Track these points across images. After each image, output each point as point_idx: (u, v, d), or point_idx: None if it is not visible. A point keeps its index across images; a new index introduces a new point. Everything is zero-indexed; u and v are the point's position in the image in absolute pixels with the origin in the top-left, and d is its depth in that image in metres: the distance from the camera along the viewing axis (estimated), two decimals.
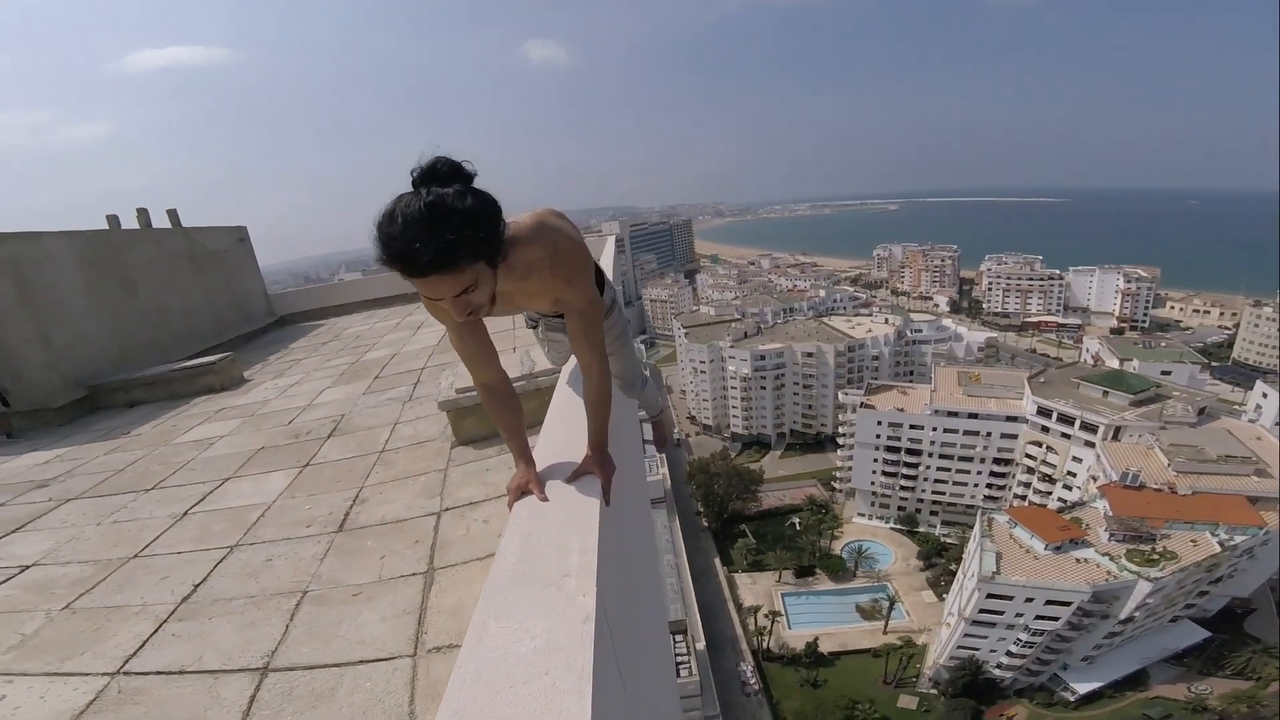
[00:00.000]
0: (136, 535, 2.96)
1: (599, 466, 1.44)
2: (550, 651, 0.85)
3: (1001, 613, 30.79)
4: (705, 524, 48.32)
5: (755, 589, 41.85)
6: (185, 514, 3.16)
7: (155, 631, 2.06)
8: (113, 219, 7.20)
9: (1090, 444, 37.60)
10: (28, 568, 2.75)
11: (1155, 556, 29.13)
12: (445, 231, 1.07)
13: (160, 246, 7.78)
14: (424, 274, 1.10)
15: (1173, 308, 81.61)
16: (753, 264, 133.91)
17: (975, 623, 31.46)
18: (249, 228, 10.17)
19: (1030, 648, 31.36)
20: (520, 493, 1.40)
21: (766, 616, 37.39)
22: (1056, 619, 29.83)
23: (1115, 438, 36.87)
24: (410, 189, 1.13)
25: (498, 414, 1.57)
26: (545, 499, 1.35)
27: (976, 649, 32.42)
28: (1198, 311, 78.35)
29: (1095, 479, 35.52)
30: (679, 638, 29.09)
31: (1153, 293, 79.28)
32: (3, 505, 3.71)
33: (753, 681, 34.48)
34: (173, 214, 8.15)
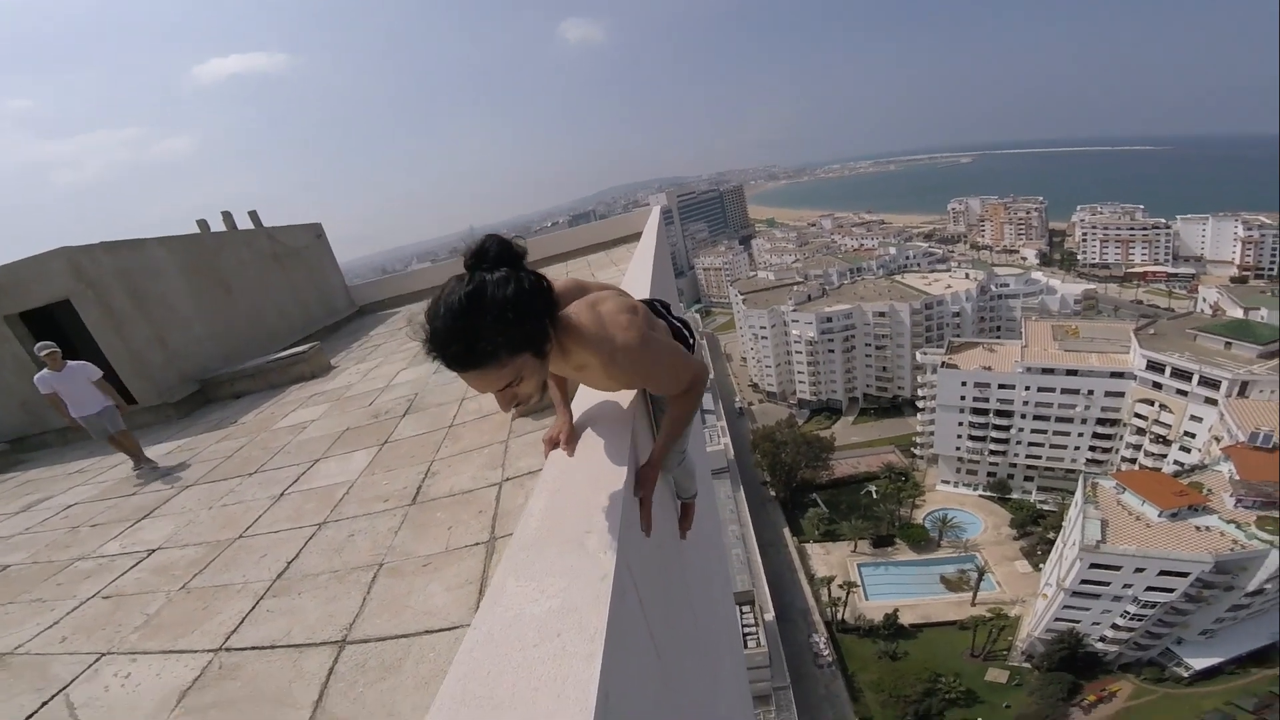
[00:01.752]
0: (241, 517, 3.21)
1: (648, 483, 1.38)
2: (565, 612, 0.82)
3: (1107, 584, 28.59)
4: (772, 493, 47.51)
5: (828, 559, 40.90)
6: (282, 495, 3.39)
7: (253, 608, 2.21)
8: (202, 223, 7.86)
9: (1212, 401, 33.41)
10: (153, 551, 3.06)
11: None
12: (483, 326, 1.01)
13: (249, 247, 8.47)
14: (463, 370, 1.05)
15: None
16: (813, 225, 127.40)
17: (1076, 594, 29.39)
18: (327, 228, 10.83)
19: (1140, 620, 29.12)
20: (553, 443, 1.39)
21: (841, 587, 36.45)
22: (1171, 590, 27.43)
23: (1242, 394, 32.71)
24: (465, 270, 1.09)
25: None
26: (571, 454, 1.33)
27: (1077, 621, 30.35)
28: None
29: (1218, 440, 32.03)
30: (746, 608, 29.22)
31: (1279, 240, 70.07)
32: (135, 493, 4.19)
33: (826, 653, 33.97)
34: (254, 215, 8.79)
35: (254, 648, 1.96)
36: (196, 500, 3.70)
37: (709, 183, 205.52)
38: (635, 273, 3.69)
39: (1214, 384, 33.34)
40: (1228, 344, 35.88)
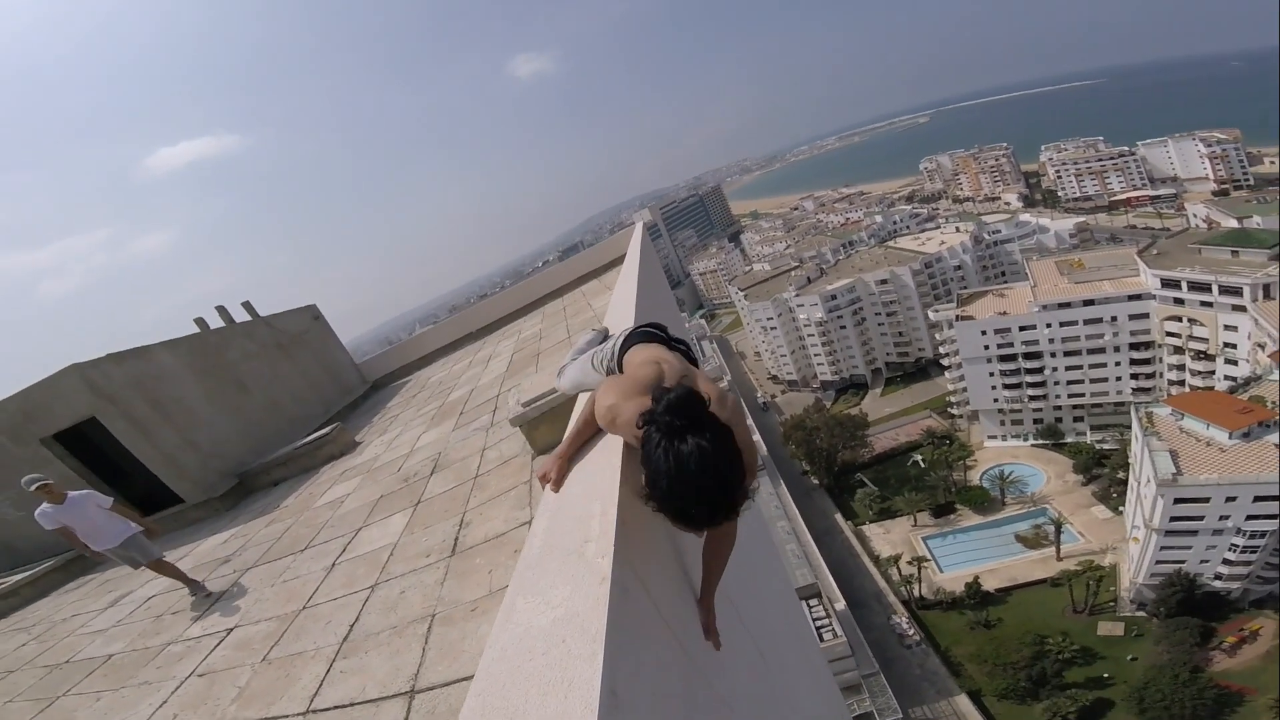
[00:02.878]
0: (301, 590, 3.42)
1: (707, 616, 1.49)
2: (568, 619, 0.87)
3: (1200, 518, 26.79)
4: (815, 481, 46.65)
5: (889, 538, 39.65)
6: (333, 565, 3.59)
7: (328, 671, 2.38)
8: (200, 321, 8.27)
9: (1240, 308, 32.45)
10: (231, 630, 3.30)
11: None
12: (736, 482, 1.09)
13: (250, 339, 8.88)
14: (726, 521, 1.11)
15: (1271, 163, 72.77)
16: (796, 209, 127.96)
17: (1170, 533, 27.58)
18: (326, 307, 11.27)
19: (1252, 553, 26.93)
20: (545, 479, 1.48)
21: (910, 564, 35.07)
22: (1276, 516, 25.34)
23: (1267, 296, 31.72)
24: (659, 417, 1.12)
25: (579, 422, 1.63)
26: (555, 490, 1.40)
27: (1181, 562, 28.30)
28: None
29: (1262, 347, 30.74)
30: (813, 602, 28.47)
31: (1243, 151, 71.46)
32: (205, 580, 4.44)
33: (911, 632, 32.68)
34: (248, 305, 9.21)
35: (335, 707, 2.11)
36: (260, 580, 3.94)
37: (687, 189, 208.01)
38: (619, 301, 3.87)
39: (1236, 291, 32.44)
40: (1235, 252, 35.12)
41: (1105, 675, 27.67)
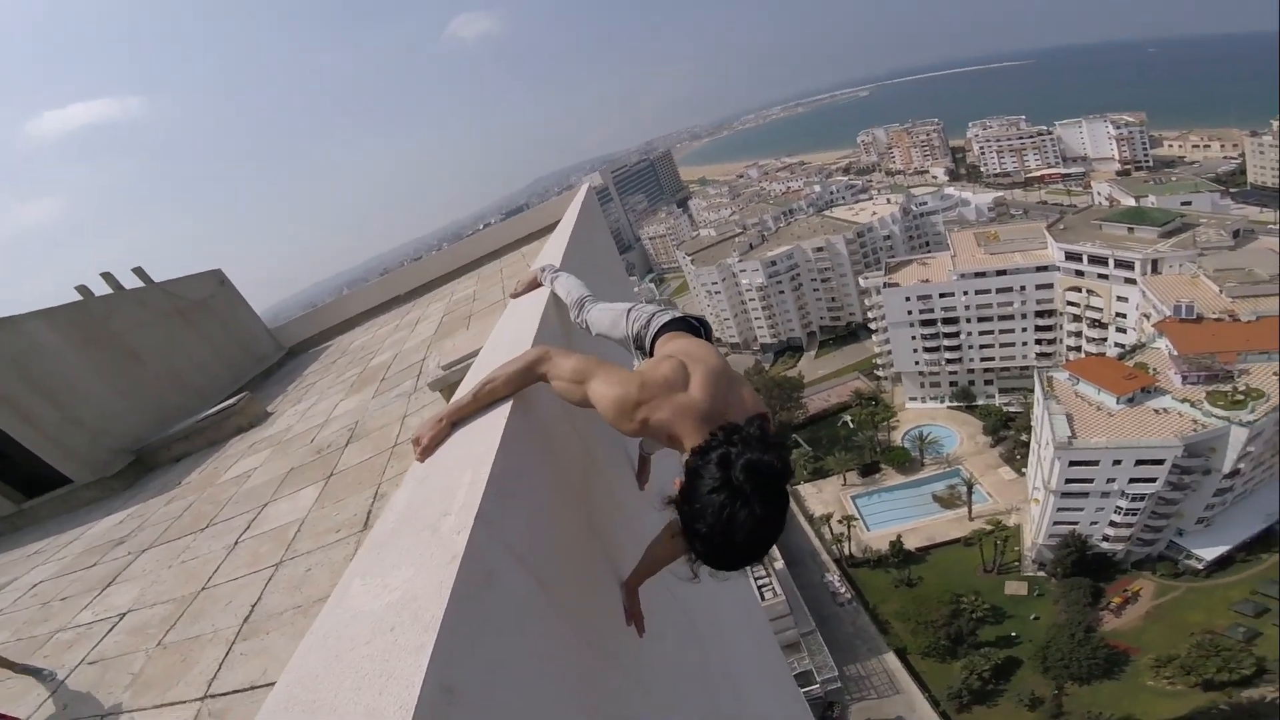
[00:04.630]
0: (201, 571, 3.19)
1: (631, 598, 1.48)
2: (402, 604, 0.76)
3: (1091, 480, 28.14)
4: None
5: (822, 497, 41.24)
6: (236, 543, 3.35)
7: (227, 654, 2.24)
8: (83, 289, 7.30)
9: (1131, 281, 35.70)
10: (125, 614, 3.06)
11: (1240, 397, 25.65)
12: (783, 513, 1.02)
13: (144, 306, 7.89)
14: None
15: (1170, 146, 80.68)
16: (741, 177, 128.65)
17: (1065, 494, 29.00)
18: (244, 274, 10.15)
19: (1134, 515, 28.52)
20: (415, 444, 1.25)
21: (840, 522, 36.41)
22: (1154, 480, 26.95)
23: (1155, 271, 34.81)
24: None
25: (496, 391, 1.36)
26: (421, 458, 1.20)
27: (1075, 523, 29.98)
28: (1197, 146, 77.85)
29: (1148, 317, 33.16)
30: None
31: (1146, 134, 78.15)
32: (96, 564, 4.10)
33: (843, 590, 33.82)
34: (139, 271, 8.18)
35: (235, 691, 2.01)
36: (156, 562, 3.65)
37: (639, 153, 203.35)
38: (546, 257, 3.72)
39: (1129, 265, 35.67)
40: (1130, 229, 38.44)
41: (1013, 634, 29.42)
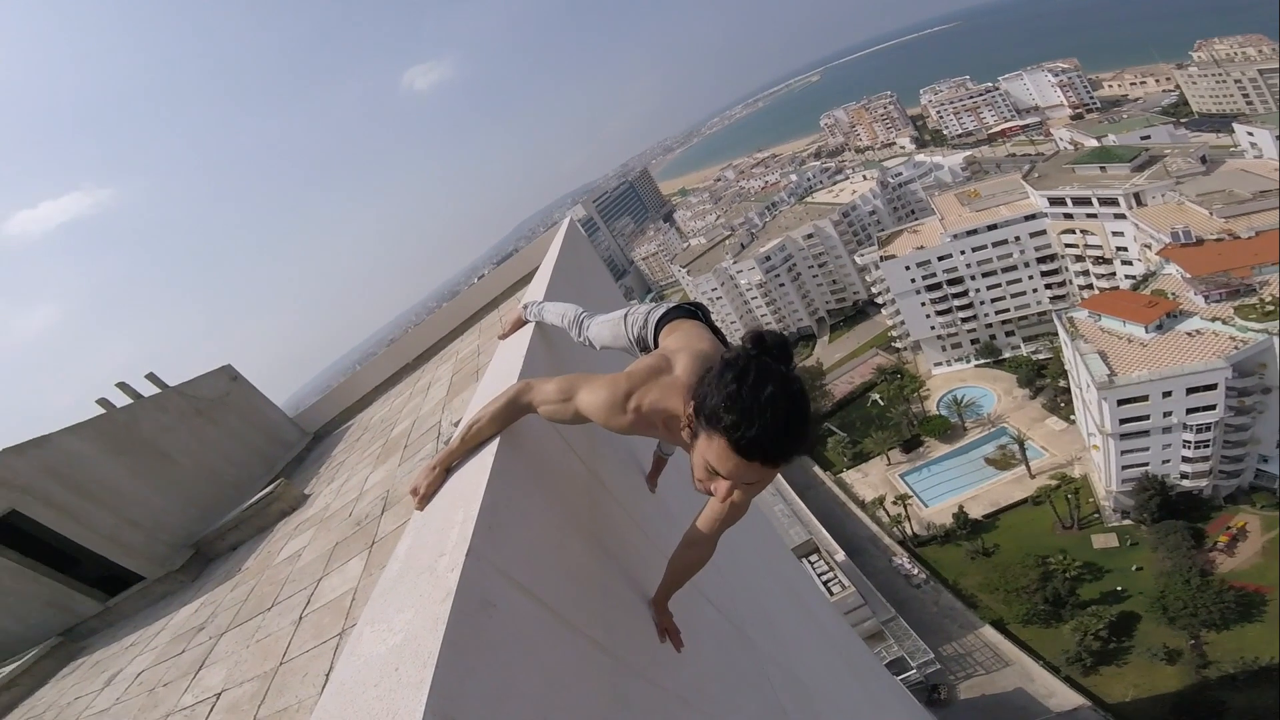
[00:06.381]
0: (275, 647, 3.49)
1: (661, 616, 1.46)
2: (404, 644, 0.80)
3: (1146, 417, 26.40)
4: None
5: (869, 481, 39.78)
6: (301, 618, 3.67)
7: None
8: (104, 402, 7.77)
9: (1120, 216, 35.48)
10: (220, 694, 3.35)
11: (1271, 308, 24.40)
12: (809, 422, 1.03)
13: (164, 410, 8.32)
14: (788, 461, 1.04)
15: (1110, 86, 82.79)
16: (719, 180, 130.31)
17: (1124, 436, 27.19)
18: (253, 364, 10.63)
19: (1206, 446, 26.58)
20: (412, 494, 1.29)
21: (895, 503, 34.78)
22: (1213, 407, 25.27)
23: (1140, 204, 34.65)
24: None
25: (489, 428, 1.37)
26: (420, 507, 1.24)
27: (1145, 464, 27.94)
28: (1134, 84, 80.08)
29: (1149, 247, 32.60)
30: (813, 558, 28.10)
31: (1084, 78, 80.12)
32: (185, 650, 4.43)
33: (916, 571, 32.11)
34: (152, 377, 8.57)
35: None
36: (235, 643, 3.97)
37: (617, 177, 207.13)
38: (530, 297, 4.02)
39: (1113, 202, 35.52)
40: (1102, 168, 38.41)
41: (1119, 589, 27.25)
